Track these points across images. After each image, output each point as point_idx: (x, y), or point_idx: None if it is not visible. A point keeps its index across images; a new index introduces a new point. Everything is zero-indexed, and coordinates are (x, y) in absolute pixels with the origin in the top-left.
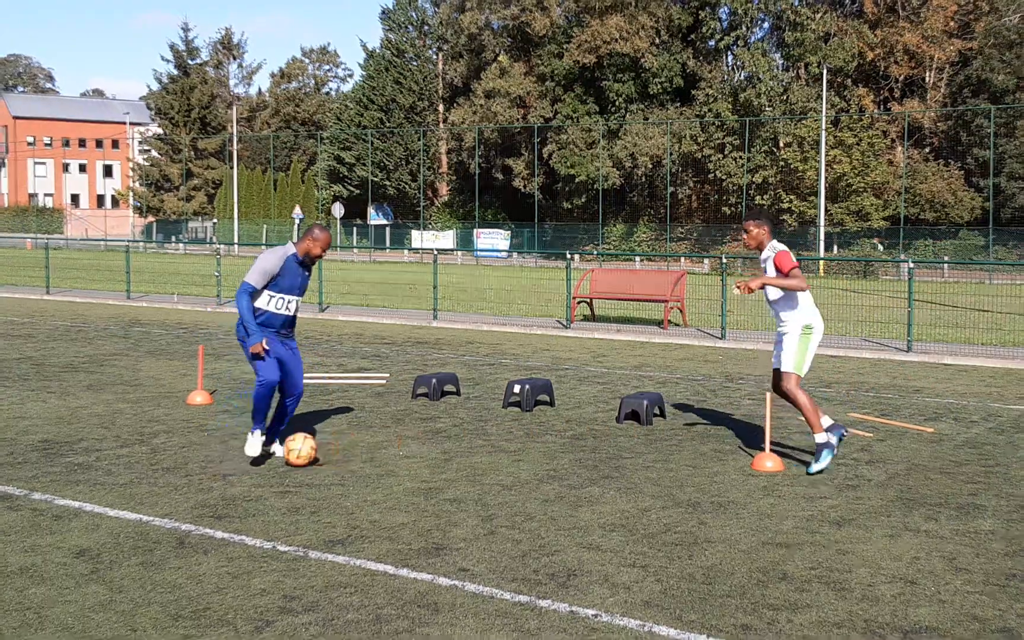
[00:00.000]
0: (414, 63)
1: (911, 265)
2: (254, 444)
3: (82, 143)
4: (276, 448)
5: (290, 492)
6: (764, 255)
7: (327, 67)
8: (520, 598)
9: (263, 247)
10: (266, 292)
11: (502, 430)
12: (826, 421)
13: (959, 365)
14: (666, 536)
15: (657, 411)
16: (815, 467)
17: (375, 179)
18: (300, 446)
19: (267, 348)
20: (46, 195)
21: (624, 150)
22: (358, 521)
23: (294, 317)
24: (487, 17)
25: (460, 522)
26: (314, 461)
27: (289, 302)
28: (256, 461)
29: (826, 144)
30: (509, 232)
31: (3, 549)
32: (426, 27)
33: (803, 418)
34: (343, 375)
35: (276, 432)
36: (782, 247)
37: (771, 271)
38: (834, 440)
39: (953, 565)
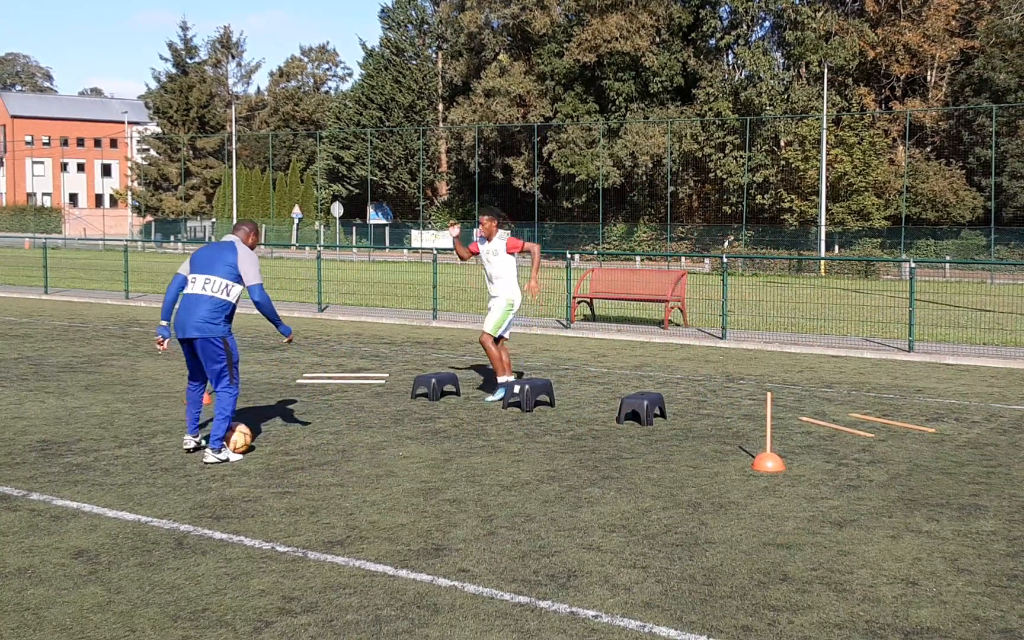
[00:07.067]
0: (413, 62)
1: (912, 265)
2: (226, 452)
3: (80, 142)
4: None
5: (289, 493)
6: (494, 245)
7: (326, 66)
8: (520, 599)
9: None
10: (236, 288)
11: (502, 430)
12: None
13: (961, 365)
14: (667, 537)
15: (657, 411)
16: (492, 398)
17: (374, 178)
18: (237, 437)
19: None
20: (44, 194)
21: (624, 149)
22: (357, 522)
23: None
24: (487, 16)
25: (460, 523)
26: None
27: None
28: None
29: (827, 143)
30: (509, 232)
31: (1, 550)
32: (426, 26)
33: (490, 365)
34: (342, 375)
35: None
36: (508, 233)
37: (503, 252)
38: (515, 386)
39: (955, 566)
